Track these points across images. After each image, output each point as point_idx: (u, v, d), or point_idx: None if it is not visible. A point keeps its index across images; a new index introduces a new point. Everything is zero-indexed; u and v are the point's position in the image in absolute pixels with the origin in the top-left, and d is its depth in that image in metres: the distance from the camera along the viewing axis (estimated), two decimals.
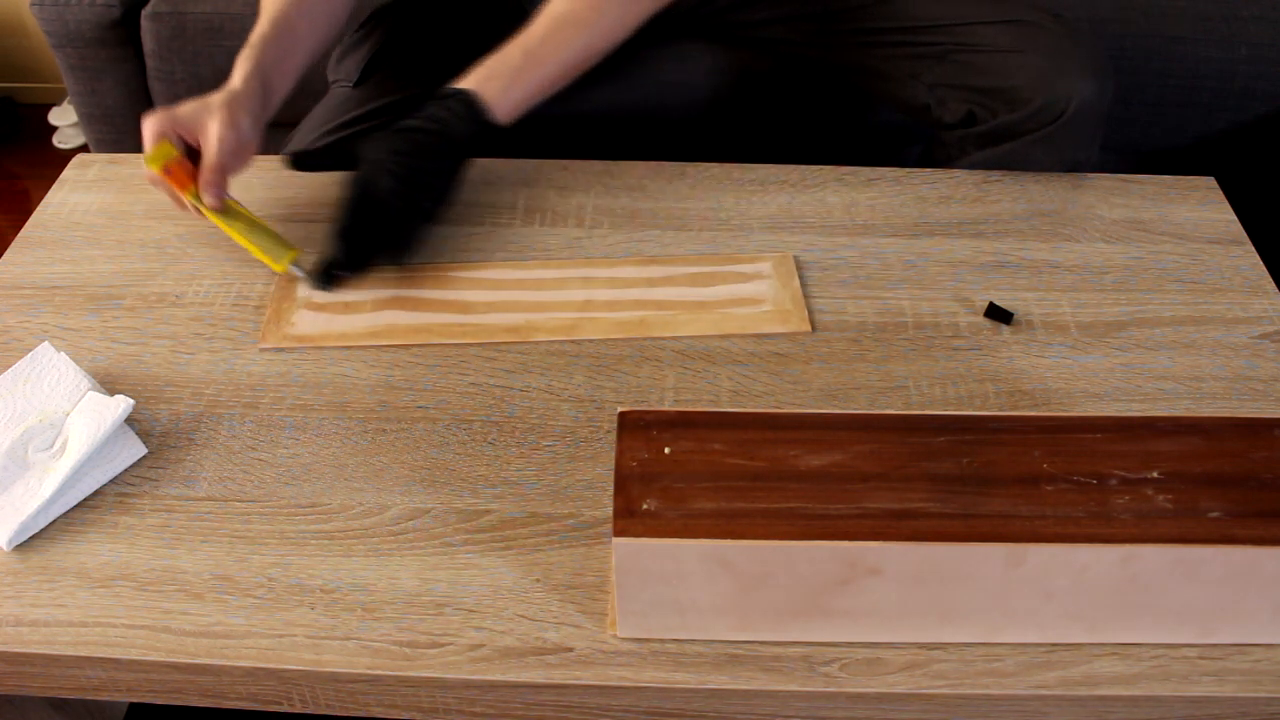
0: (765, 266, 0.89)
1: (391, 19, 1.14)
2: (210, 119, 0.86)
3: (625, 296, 0.87)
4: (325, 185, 0.98)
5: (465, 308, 0.86)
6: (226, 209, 0.88)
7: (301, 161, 0.98)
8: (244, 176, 0.99)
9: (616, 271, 0.89)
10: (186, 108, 0.87)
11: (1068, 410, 0.78)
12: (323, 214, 0.95)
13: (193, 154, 0.88)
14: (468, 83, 0.90)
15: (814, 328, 0.84)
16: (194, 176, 0.87)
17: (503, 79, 0.90)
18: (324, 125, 1.09)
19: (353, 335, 0.84)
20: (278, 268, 0.88)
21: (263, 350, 0.83)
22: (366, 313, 0.85)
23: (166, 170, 0.86)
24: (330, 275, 0.87)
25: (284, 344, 0.83)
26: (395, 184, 0.86)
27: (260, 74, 0.90)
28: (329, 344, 0.83)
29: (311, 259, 0.88)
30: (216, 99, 0.87)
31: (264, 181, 0.99)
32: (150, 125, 0.86)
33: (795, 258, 0.90)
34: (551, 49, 0.91)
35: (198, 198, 0.86)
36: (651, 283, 0.88)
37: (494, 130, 0.90)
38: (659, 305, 0.86)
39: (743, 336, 0.84)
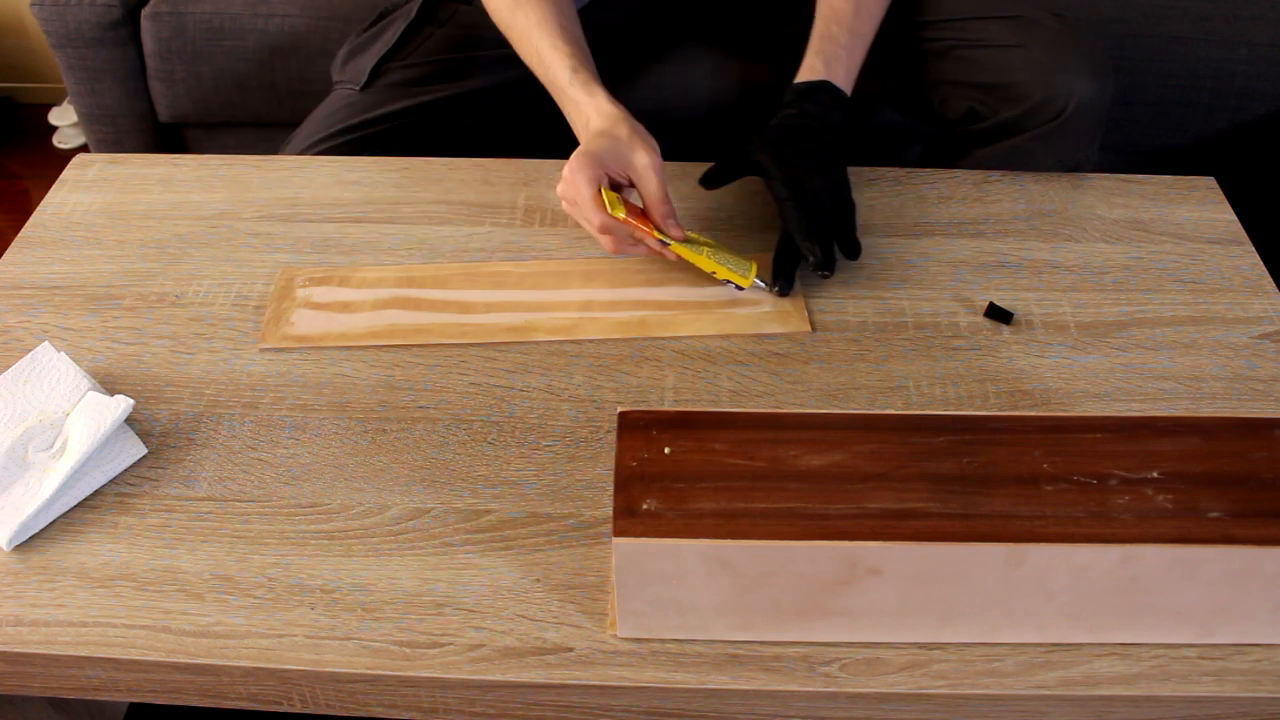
0: (765, 267, 0.89)
1: (403, 21, 1.13)
2: (634, 152, 0.84)
3: (625, 296, 0.87)
4: (325, 186, 0.98)
5: (465, 308, 0.86)
6: (687, 237, 0.86)
7: None
8: (243, 176, 1.00)
9: (617, 271, 0.89)
10: (600, 148, 0.85)
11: (1068, 410, 0.78)
12: (322, 214, 0.95)
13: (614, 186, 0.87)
14: (815, 73, 0.93)
15: (814, 328, 0.84)
16: (641, 214, 0.86)
17: (843, 62, 0.93)
18: (329, 128, 1.08)
19: (353, 335, 0.84)
20: (745, 283, 0.86)
21: (263, 350, 0.83)
22: (366, 312, 0.85)
23: (630, 214, 0.84)
24: (792, 279, 0.86)
25: (284, 344, 0.83)
26: (824, 180, 0.88)
27: (610, 92, 0.90)
28: (329, 344, 0.83)
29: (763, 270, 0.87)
30: (622, 130, 0.85)
31: (264, 181, 0.99)
32: (586, 174, 0.83)
33: None
34: (865, 20, 0.96)
35: (659, 233, 0.85)
36: (651, 282, 0.88)
37: (850, 109, 0.93)
38: (659, 305, 0.86)
39: (743, 336, 0.84)
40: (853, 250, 0.88)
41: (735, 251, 0.88)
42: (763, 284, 0.86)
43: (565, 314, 0.85)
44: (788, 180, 0.88)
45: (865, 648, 0.64)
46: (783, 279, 0.86)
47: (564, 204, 0.87)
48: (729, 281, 0.86)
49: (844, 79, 0.94)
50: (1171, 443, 0.62)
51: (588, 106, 0.89)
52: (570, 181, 0.84)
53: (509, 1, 0.95)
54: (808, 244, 0.85)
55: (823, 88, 0.92)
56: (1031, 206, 0.96)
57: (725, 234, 0.93)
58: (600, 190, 0.83)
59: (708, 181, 0.95)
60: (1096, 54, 0.98)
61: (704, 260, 0.86)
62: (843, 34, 0.94)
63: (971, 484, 0.60)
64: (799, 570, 0.59)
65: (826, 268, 0.85)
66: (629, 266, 0.90)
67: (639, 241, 0.86)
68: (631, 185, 0.87)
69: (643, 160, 0.84)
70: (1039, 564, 0.58)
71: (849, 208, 0.90)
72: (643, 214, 0.86)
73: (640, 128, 0.87)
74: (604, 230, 0.85)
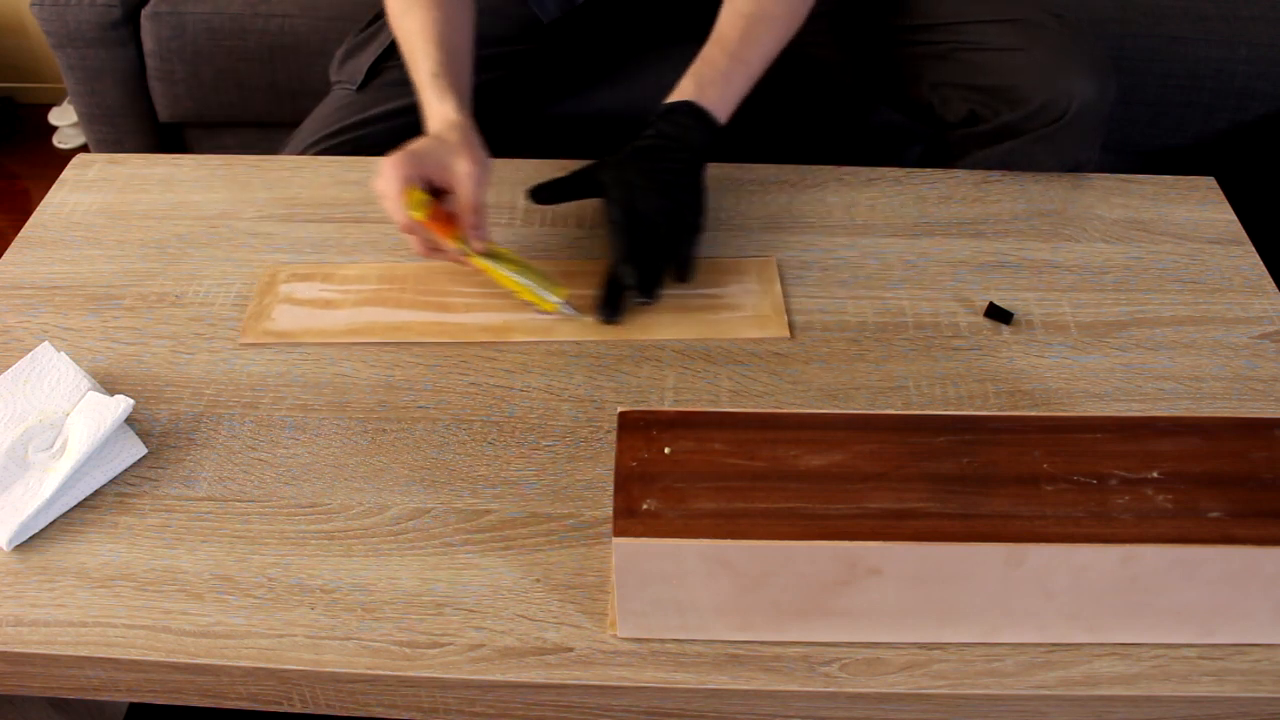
0: (747, 271, 0.89)
1: None
2: (457, 158, 0.82)
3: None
4: (325, 186, 0.98)
5: (444, 307, 0.86)
6: (491, 251, 0.84)
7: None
8: (243, 176, 1.00)
9: (598, 273, 0.89)
10: (423, 147, 0.83)
11: (1068, 410, 0.78)
12: (322, 214, 0.95)
13: (435, 192, 0.85)
14: (685, 94, 0.90)
15: (804, 330, 0.84)
16: (449, 220, 0.83)
17: (717, 85, 0.90)
18: (326, 128, 1.08)
19: (332, 332, 0.84)
20: (548, 307, 0.84)
21: (243, 345, 0.83)
22: (346, 309, 0.86)
23: (431, 217, 0.82)
24: (617, 305, 0.84)
25: (263, 339, 0.83)
26: (662, 202, 0.86)
27: (464, 101, 0.88)
28: (309, 340, 0.83)
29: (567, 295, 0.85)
30: (452, 136, 0.84)
31: (264, 181, 0.99)
32: (397, 170, 0.81)
33: (796, 258, 0.90)
34: (752, 47, 0.92)
35: (462, 242, 0.83)
36: None
37: (720, 135, 0.90)
38: (638, 308, 0.86)
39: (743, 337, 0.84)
40: (684, 272, 0.86)
41: (547, 275, 0.85)
42: (572, 310, 0.84)
43: (543, 315, 0.85)
44: (621, 201, 0.86)
45: (865, 648, 0.64)
46: (606, 306, 0.84)
47: (378, 198, 0.85)
48: (531, 304, 0.85)
49: (716, 102, 0.90)
50: (1171, 443, 0.62)
51: (435, 110, 0.88)
52: (383, 175, 0.82)
53: (400, 7, 0.94)
54: (624, 267, 0.84)
55: (686, 109, 0.89)
56: (1031, 206, 0.96)
57: (727, 233, 0.93)
58: (408, 189, 0.82)
59: (539, 195, 0.92)
60: (1098, 56, 0.98)
61: (504, 278, 0.84)
62: (723, 58, 0.91)
63: (971, 484, 0.60)
64: (799, 570, 0.59)
65: (645, 293, 0.84)
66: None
67: (442, 248, 0.85)
68: (452, 192, 0.84)
69: (463, 168, 0.82)
70: (1039, 564, 0.58)
71: (690, 231, 0.88)
72: (452, 222, 0.84)
73: (474, 139, 0.85)
74: (405, 229, 0.84)
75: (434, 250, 0.86)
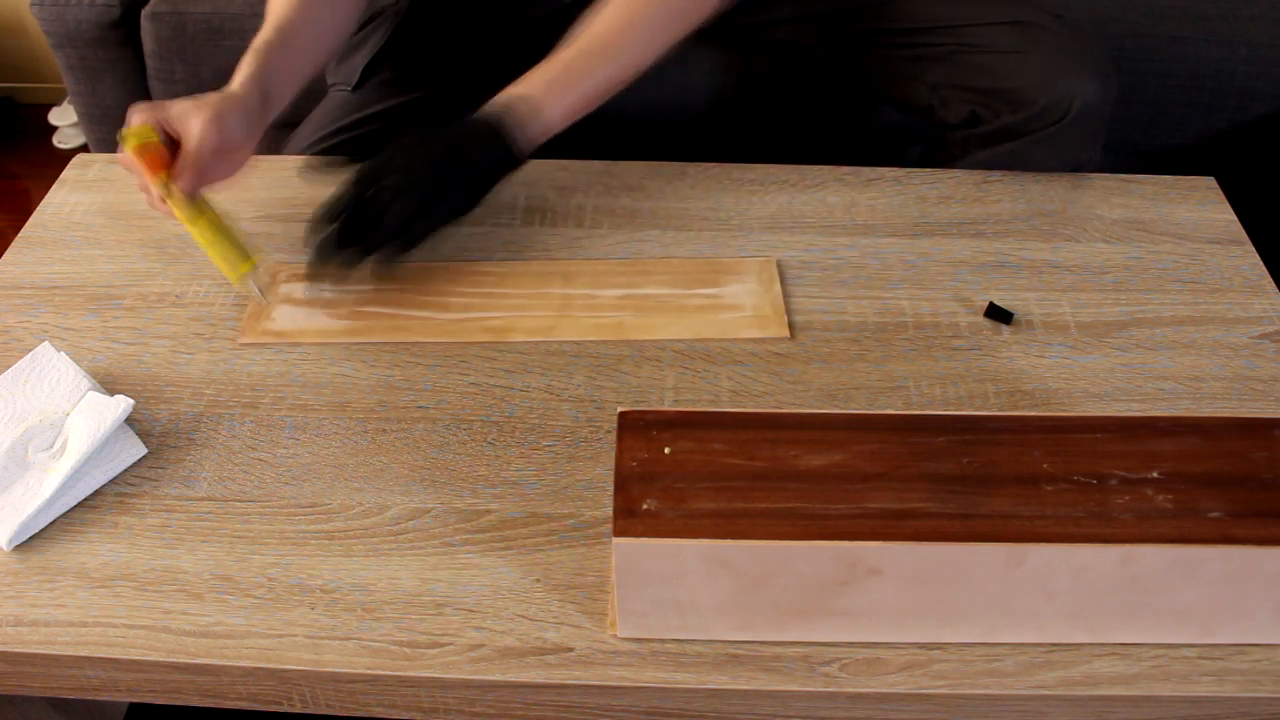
0: (747, 271, 0.89)
1: (391, 22, 1.14)
2: (195, 115, 0.83)
3: (605, 298, 0.87)
4: (327, 186, 0.98)
5: (444, 307, 0.86)
6: (195, 204, 0.83)
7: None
8: (242, 176, 0.99)
9: (598, 273, 0.89)
10: (178, 103, 0.84)
11: (1068, 410, 0.78)
12: None
13: (175, 149, 0.84)
14: (499, 102, 0.88)
15: (804, 330, 0.84)
16: (168, 165, 0.82)
17: (530, 103, 0.88)
18: (323, 129, 1.08)
19: (332, 331, 0.84)
20: (232, 277, 0.83)
21: (243, 345, 0.83)
22: (346, 309, 0.86)
23: (140, 152, 0.81)
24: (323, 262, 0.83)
25: (263, 339, 0.83)
26: (402, 184, 0.84)
27: (260, 80, 0.88)
28: (308, 340, 0.83)
29: (264, 274, 0.83)
30: (210, 97, 0.84)
31: (264, 181, 0.99)
32: (137, 114, 0.83)
33: (796, 258, 0.90)
34: (579, 76, 0.89)
35: (166, 186, 0.82)
36: (632, 285, 0.88)
37: (514, 154, 0.88)
38: (637, 308, 0.86)
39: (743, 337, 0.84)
40: (389, 257, 0.85)
41: (241, 247, 0.83)
42: (255, 286, 0.84)
43: (543, 315, 0.85)
44: (367, 167, 0.85)
45: (865, 648, 0.64)
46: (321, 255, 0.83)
47: None
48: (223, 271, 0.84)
49: (527, 117, 0.87)
50: (1171, 443, 0.62)
51: (233, 78, 0.88)
52: (129, 117, 0.83)
53: None
54: (314, 222, 0.83)
55: (487, 116, 0.87)
56: (1031, 206, 0.96)
57: (727, 233, 0.93)
58: (142, 126, 0.82)
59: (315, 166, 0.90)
60: (1099, 56, 0.98)
61: (199, 236, 0.83)
62: (553, 71, 0.89)
63: (971, 484, 0.60)
64: (799, 570, 0.59)
65: (324, 258, 0.83)
66: (608, 269, 0.89)
67: (150, 190, 0.84)
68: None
69: (195, 124, 0.82)
70: (1039, 564, 0.58)
71: (422, 219, 0.86)
72: (167, 167, 0.82)
73: (230, 107, 0.84)
74: (122, 163, 0.84)
75: (148, 193, 0.85)
